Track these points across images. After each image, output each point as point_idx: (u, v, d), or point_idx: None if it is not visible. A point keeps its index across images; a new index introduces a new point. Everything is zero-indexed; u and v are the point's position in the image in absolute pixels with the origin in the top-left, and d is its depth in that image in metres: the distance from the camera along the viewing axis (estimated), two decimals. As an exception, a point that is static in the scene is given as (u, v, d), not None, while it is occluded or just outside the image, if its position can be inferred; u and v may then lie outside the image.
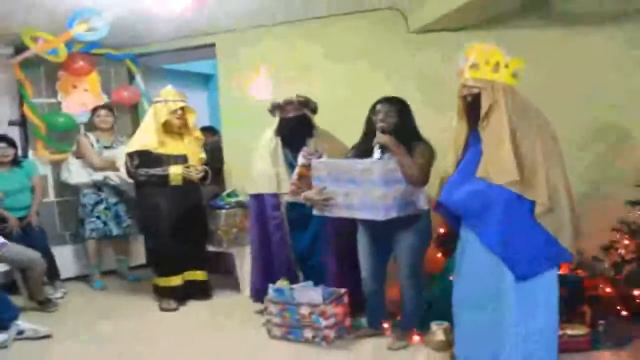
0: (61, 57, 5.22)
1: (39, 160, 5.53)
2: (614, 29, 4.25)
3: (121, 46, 5.91)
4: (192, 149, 4.81)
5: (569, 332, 3.35)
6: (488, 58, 3.00)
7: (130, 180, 5.18)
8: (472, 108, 3.05)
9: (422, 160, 3.46)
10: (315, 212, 3.63)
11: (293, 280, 4.08)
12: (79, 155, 5.43)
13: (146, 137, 4.68)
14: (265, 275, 4.26)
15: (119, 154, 5.32)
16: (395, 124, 3.51)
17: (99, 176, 5.36)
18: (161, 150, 4.66)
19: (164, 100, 4.69)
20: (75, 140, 5.49)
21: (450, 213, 3.23)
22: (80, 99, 5.71)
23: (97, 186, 5.41)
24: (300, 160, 3.88)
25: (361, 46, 5.01)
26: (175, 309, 4.66)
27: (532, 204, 2.89)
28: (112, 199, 5.47)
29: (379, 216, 3.31)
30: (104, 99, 5.86)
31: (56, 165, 5.64)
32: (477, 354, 3.12)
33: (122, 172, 5.21)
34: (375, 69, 4.94)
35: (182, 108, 4.71)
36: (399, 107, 3.57)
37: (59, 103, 5.72)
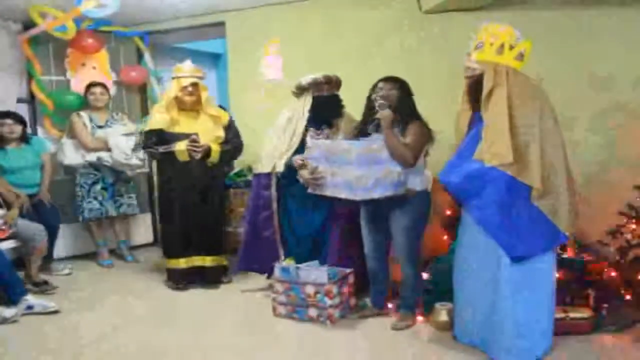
0: (70, 34, 5.21)
1: (47, 138, 5.55)
2: (633, 10, 4.19)
3: (130, 23, 5.90)
4: (206, 127, 4.62)
5: (572, 315, 3.36)
6: (493, 40, 3.01)
7: (125, 161, 5.25)
8: (475, 89, 3.07)
9: (414, 139, 3.46)
10: (309, 190, 3.73)
11: (276, 259, 4.13)
12: (72, 135, 5.39)
13: (158, 115, 4.64)
14: (248, 249, 4.38)
15: (111, 134, 5.33)
16: (396, 102, 3.52)
17: (92, 157, 5.30)
18: (174, 129, 4.59)
19: (176, 76, 4.60)
20: (68, 120, 5.44)
21: None
22: (88, 77, 5.68)
23: (94, 166, 5.37)
24: (309, 142, 3.93)
25: (373, 25, 4.99)
26: (179, 289, 4.64)
27: (529, 186, 2.92)
28: (109, 179, 5.43)
29: (357, 196, 3.38)
30: (112, 78, 5.87)
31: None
32: (475, 326, 3.18)
33: (115, 153, 5.24)
34: (386, 48, 4.92)
35: (194, 84, 4.56)
36: (399, 85, 3.59)
37: (68, 81, 5.72)
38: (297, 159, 3.87)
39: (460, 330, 3.32)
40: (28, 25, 5.37)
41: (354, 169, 3.33)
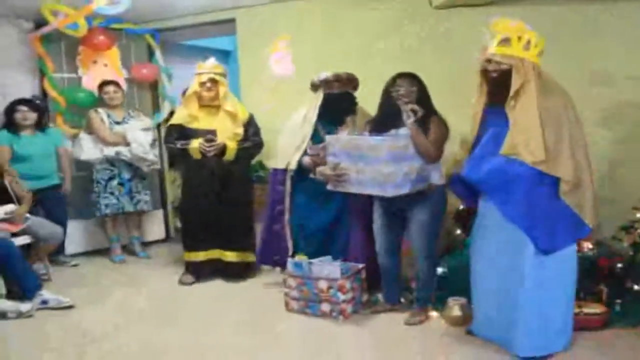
0: (81, 32, 5.23)
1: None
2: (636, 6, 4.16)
3: (141, 21, 5.92)
4: (225, 123, 4.65)
5: (585, 310, 3.37)
6: (521, 34, 2.98)
7: (143, 155, 5.34)
8: (497, 84, 3.04)
9: (436, 136, 3.49)
10: (329, 186, 3.68)
11: (285, 253, 4.23)
12: (90, 131, 5.43)
13: (180, 111, 4.76)
14: (265, 243, 4.46)
15: (129, 129, 5.41)
16: (416, 99, 3.52)
17: (110, 151, 5.35)
18: (194, 125, 4.65)
19: (197, 72, 4.65)
20: (86, 117, 5.48)
21: (465, 190, 3.26)
22: (100, 74, 5.72)
23: (110, 162, 5.42)
24: (309, 151, 4.02)
25: (383, 21, 4.97)
26: (190, 284, 4.69)
27: (555, 180, 2.94)
28: (126, 175, 5.48)
29: (388, 193, 3.35)
30: (123, 75, 5.89)
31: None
32: (494, 321, 3.18)
33: (133, 147, 5.32)
34: (397, 44, 4.90)
35: (213, 80, 4.60)
36: (418, 82, 3.59)
37: (79, 78, 5.75)
38: (307, 160, 3.98)
39: (478, 325, 3.32)
40: (40, 23, 5.40)
41: (382, 166, 3.29)
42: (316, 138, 4.13)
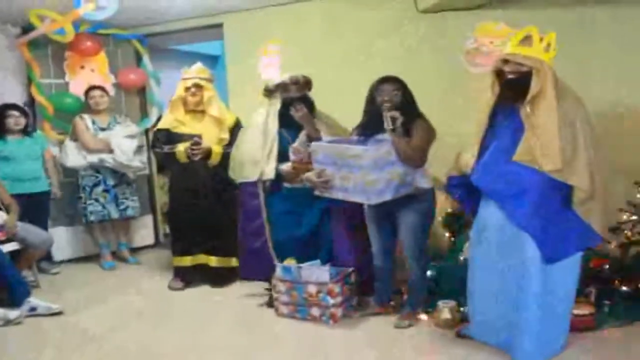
0: (68, 37, 5.21)
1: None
2: (630, 8, 4.17)
3: (129, 26, 5.90)
4: (210, 128, 4.65)
5: (575, 311, 3.34)
6: (541, 35, 2.88)
7: (126, 162, 5.32)
8: (512, 86, 2.93)
9: (421, 140, 3.47)
10: (316, 192, 3.68)
11: (270, 265, 4.13)
12: (75, 137, 5.39)
13: (166, 116, 4.77)
14: (246, 256, 4.39)
15: (114, 135, 5.38)
16: (400, 103, 3.50)
17: (94, 158, 5.32)
18: (180, 129, 4.65)
19: (183, 77, 4.66)
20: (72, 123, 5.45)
21: (465, 194, 3.24)
22: (87, 79, 5.68)
23: (95, 168, 5.38)
24: (292, 157, 3.97)
25: (370, 25, 4.97)
26: (180, 289, 4.68)
27: (566, 188, 2.87)
28: (111, 181, 5.44)
29: (371, 201, 3.36)
30: (111, 80, 5.86)
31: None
32: (494, 324, 3.16)
33: (117, 154, 5.29)
34: (383, 48, 4.91)
35: (197, 85, 4.59)
36: (401, 86, 3.57)
37: (67, 83, 5.72)
38: (286, 167, 3.96)
39: (474, 328, 3.31)
40: (27, 28, 5.37)
41: (366, 174, 3.29)
42: (284, 143, 4.08)
